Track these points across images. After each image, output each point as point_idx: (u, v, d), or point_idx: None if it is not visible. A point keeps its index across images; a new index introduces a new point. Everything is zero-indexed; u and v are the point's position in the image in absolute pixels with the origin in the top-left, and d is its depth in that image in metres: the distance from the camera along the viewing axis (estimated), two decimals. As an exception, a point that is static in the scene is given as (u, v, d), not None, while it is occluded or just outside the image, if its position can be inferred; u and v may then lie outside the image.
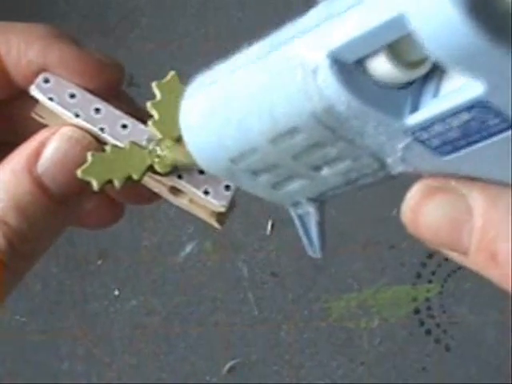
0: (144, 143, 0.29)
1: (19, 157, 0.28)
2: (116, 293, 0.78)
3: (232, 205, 0.29)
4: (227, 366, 0.77)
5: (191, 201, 0.29)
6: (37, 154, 0.28)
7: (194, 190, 0.29)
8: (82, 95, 0.29)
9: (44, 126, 0.29)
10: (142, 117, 0.29)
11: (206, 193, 0.29)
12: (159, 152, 0.28)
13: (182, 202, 0.29)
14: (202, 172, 0.29)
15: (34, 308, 0.77)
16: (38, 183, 0.27)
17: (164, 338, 0.77)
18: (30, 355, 0.77)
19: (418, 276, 0.77)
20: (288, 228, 0.78)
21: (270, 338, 0.77)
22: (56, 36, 0.29)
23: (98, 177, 0.28)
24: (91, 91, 0.29)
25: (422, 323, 0.77)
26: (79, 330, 0.78)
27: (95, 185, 0.28)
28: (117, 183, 0.28)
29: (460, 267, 0.77)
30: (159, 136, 0.28)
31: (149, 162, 0.28)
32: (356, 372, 0.77)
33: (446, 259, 0.77)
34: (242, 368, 0.77)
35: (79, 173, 0.27)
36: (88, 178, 0.27)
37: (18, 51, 0.28)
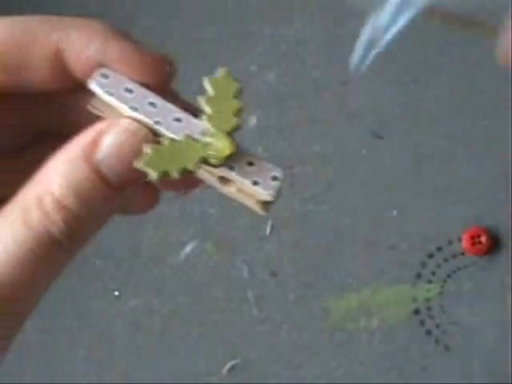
0: (198, 136, 0.30)
1: (77, 145, 0.29)
2: (116, 293, 0.78)
3: (279, 194, 0.31)
4: (227, 366, 0.77)
5: (239, 190, 0.31)
6: (95, 143, 0.29)
7: (244, 180, 0.30)
8: (137, 90, 0.30)
9: (98, 118, 0.31)
10: (191, 111, 0.31)
11: (256, 183, 0.30)
12: (213, 145, 0.30)
13: (230, 190, 0.31)
14: (251, 164, 0.30)
15: (33, 308, 0.77)
16: (96, 171, 0.29)
17: (164, 338, 0.77)
18: (30, 356, 0.77)
19: (418, 276, 0.77)
20: (288, 228, 0.78)
21: (270, 338, 0.77)
22: (113, 32, 0.30)
23: (156, 168, 0.29)
24: (146, 86, 0.31)
25: (422, 323, 0.77)
26: (79, 331, 0.78)
27: (154, 175, 0.29)
28: (175, 174, 0.29)
29: (460, 267, 0.77)
30: (213, 130, 0.30)
31: (203, 154, 0.30)
32: (356, 372, 0.77)
33: (446, 259, 0.78)
34: (242, 368, 0.77)
35: (138, 164, 0.29)
36: (147, 169, 0.29)
37: (78, 46, 0.30)
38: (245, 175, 0.30)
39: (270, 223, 0.78)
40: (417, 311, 0.77)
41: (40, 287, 0.30)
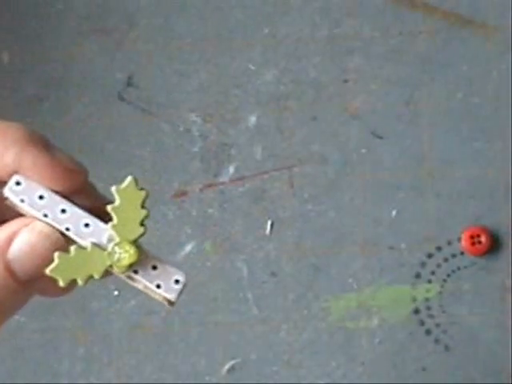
0: (105, 242, 0.33)
1: None
2: (115, 293, 0.78)
3: (181, 293, 0.35)
4: (227, 366, 0.77)
5: (145, 287, 0.35)
6: (9, 241, 0.31)
7: (147, 284, 0.34)
8: (49, 197, 0.33)
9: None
10: (104, 204, 0.33)
11: (159, 286, 0.34)
12: (117, 254, 0.33)
13: (138, 286, 0.35)
14: (154, 267, 0.34)
15: (33, 308, 0.77)
16: (7, 267, 0.31)
17: (163, 337, 0.77)
18: (30, 355, 0.77)
19: (418, 276, 0.77)
20: (288, 228, 0.78)
21: (270, 338, 0.77)
22: (30, 141, 0.32)
23: (63, 276, 0.32)
24: (58, 192, 0.33)
25: (421, 323, 0.77)
26: (79, 330, 0.78)
27: (61, 283, 0.32)
28: (80, 282, 0.33)
29: (460, 267, 0.77)
30: (117, 239, 0.33)
31: (108, 262, 0.33)
32: (355, 372, 0.77)
33: (446, 259, 0.77)
34: (241, 368, 0.77)
35: (47, 271, 0.32)
36: (55, 277, 0.32)
37: None
38: (149, 278, 0.34)
39: (269, 223, 0.78)
40: (416, 311, 0.77)
41: None
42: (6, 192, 0.33)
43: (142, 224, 0.33)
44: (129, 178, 0.33)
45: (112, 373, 0.77)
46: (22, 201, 0.32)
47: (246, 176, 0.78)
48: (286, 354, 0.77)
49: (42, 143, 0.32)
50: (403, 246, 0.77)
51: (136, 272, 0.34)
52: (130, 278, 0.35)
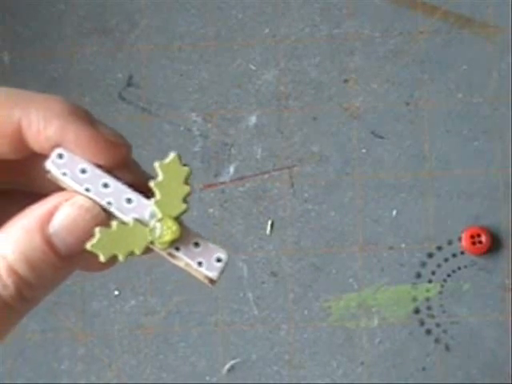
0: (147, 218, 0.33)
1: (33, 215, 0.31)
2: (116, 293, 0.78)
3: (223, 271, 0.34)
4: (227, 366, 0.77)
5: (187, 264, 0.34)
6: (50, 215, 0.31)
7: (188, 261, 0.34)
8: (92, 171, 0.32)
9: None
10: (147, 181, 0.33)
11: (200, 264, 0.34)
12: (159, 230, 0.33)
13: (179, 264, 0.34)
14: (196, 244, 0.33)
15: (33, 308, 0.77)
16: (48, 242, 0.31)
17: (164, 337, 0.77)
18: (30, 355, 0.77)
19: (418, 276, 0.77)
20: (288, 228, 0.78)
21: (270, 338, 0.77)
22: (73, 115, 0.32)
23: (104, 251, 0.32)
24: (100, 166, 0.33)
25: (422, 323, 0.77)
26: (79, 330, 0.78)
27: (102, 258, 0.32)
28: (121, 257, 0.33)
29: (460, 267, 0.77)
30: (160, 215, 0.32)
31: (150, 238, 0.33)
32: (356, 372, 0.77)
33: (446, 259, 0.77)
34: (241, 368, 0.77)
35: (88, 246, 0.31)
36: (96, 251, 0.32)
37: (37, 127, 0.31)
38: (190, 256, 0.33)
39: (269, 223, 0.78)
40: (417, 311, 0.77)
41: None
42: (48, 165, 0.32)
43: (184, 200, 0.33)
44: (172, 154, 0.33)
45: (112, 373, 0.77)
46: (64, 174, 0.32)
47: (247, 176, 0.78)
48: (287, 354, 0.77)
49: (85, 116, 0.32)
50: (403, 245, 0.77)
51: (177, 249, 0.33)
52: (171, 255, 0.34)
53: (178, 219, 0.32)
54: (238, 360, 0.77)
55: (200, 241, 0.33)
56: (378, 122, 0.79)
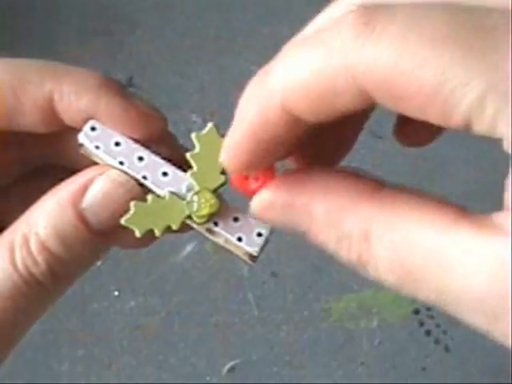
0: (183, 191, 0.31)
1: (66, 190, 0.30)
2: (116, 293, 0.78)
3: (264, 247, 0.32)
4: (227, 367, 0.77)
5: (226, 241, 0.32)
6: (83, 189, 0.30)
7: (228, 236, 0.31)
8: (126, 144, 0.31)
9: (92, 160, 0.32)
10: (184, 155, 0.31)
11: (240, 239, 0.31)
12: (196, 204, 0.31)
13: (218, 240, 0.32)
14: (236, 219, 0.31)
15: (34, 308, 0.77)
16: (81, 217, 0.30)
17: (164, 338, 0.78)
18: (30, 355, 0.77)
19: (418, 276, 0.77)
20: (288, 228, 0.78)
21: (270, 339, 0.77)
22: (105, 87, 0.31)
23: (139, 225, 0.30)
24: (135, 139, 0.31)
25: (421, 323, 0.77)
26: (79, 331, 0.78)
27: (137, 233, 0.30)
28: (157, 232, 0.31)
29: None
30: (197, 187, 0.31)
31: (187, 212, 0.31)
32: (356, 372, 0.77)
33: (446, 259, 0.78)
34: (241, 368, 0.77)
35: (123, 221, 0.30)
36: (131, 226, 0.30)
37: (69, 100, 0.30)
38: (230, 231, 0.31)
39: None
40: (416, 311, 0.77)
41: (22, 323, 0.30)
42: (81, 138, 0.31)
43: (222, 172, 0.30)
44: (210, 125, 0.31)
45: (112, 373, 0.77)
46: (97, 147, 0.31)
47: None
48: (287, 355, 0.77)
49: (118, 89, 0.31)
50: (403, 246, 0.77)
51: (216, 224, 0.31)
52: (209, 231, 0.32)
53: (216, 192, 0.31)
54: (238, 360, 0.77)
55: (240, 215, 0.31)
56: (376, 121, 0.79)
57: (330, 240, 0.25)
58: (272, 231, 0.31)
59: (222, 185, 0.31)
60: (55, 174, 0.31)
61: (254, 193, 0.29)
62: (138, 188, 0.30)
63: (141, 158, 0.31)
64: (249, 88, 0.26)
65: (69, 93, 0.30)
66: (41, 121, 0.30)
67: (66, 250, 0.30)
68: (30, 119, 0.30)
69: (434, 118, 0.22)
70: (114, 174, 0.30)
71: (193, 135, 0.31)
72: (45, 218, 0.29)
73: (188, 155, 0.30)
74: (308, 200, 0.26)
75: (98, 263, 0.78)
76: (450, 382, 0.76)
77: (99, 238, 0.30)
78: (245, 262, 0.32)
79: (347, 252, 0.25)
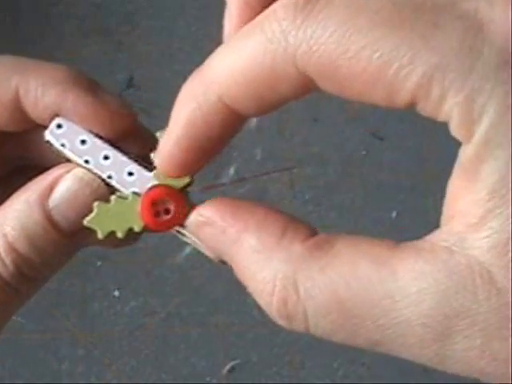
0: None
1: (33, 189, 0.30)
2: (116, 294, 0.78)
3: None
4: (227, 367, 0.77)
5: (195, 242, 0.31)
6: (50, 189, 0.29)
7: (194, 238, 0.30)
8: (92, 142, 0.30)
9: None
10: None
11: None
12: None
13: (187, 240, 0.31)
14: None
15: (33, 308, 0.77)
16: (49, 217, 0.29)
17: (164, 338, 0.77)
18: (30, 356, 0.77)
19: (418, 277, 0.77)
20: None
21: (270, 339, 0.77)
22: (72, 82, 0.30)
23: (102, 227, 0.29)
24: (104, 137, 0.30)
25: (421, 324, 0.77)
26: (79, 331, 0.78)
27: (99, 235, 0.29)
28: (119, 234, 0.30)
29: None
30: None
31: None
32: (356, 373, 0.77)
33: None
34: (242, 369, 0.77)
35: (85, 222, 0.29)
36: (93, 227, 0.29)
37: (35, 95, 0.30)
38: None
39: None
40: (417, 312, 0.77)
41: None
42: (47, 135, 0.30)
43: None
44: None
45: (112, 374, 0.77)
46: (63, 145, 0.30)
47: (247, 177, 0.78)
48: (287, 355, 0.77)
49: (87, 84, 0.30)
50: (403, 246, 0.77)
51: (183, 226, 0.30)
52: (177, 231, 0.31)
53: (183, 193, 0.30)
54: (238, 361, 0.77)
55: None
56: (378, 123, 0.79)
57: (254, 281, 0.25)
58: None
59: (188, 185, 0.30)
60: (33, 174, 0.31)
61: (166, 226, 0.29)
62: (104, 187, 0.30)
63: (106, 157, 0.30)
64: (184, 86, 0.26)
65: (35, 88, 0.30)
66: (8, 119, 0.30)
67: (34, 251, 0.29)
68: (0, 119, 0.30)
69: (379, 99, 0.22)
70: (80, 172, 0.30)
71: (157, 134, 0.30)
72: (13, 218, 0.29)
73: (152, 155, 0.30)
74: (242, 228, 0.25)
75: (99, 263, 0.78)
76: (450, 382, 0.76)
77: (68, 238, 0.30)
78: (218, 264, 0.31)
79: (269, 297, 0.24)
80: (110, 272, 0.78)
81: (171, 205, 0.29)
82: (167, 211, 0.30)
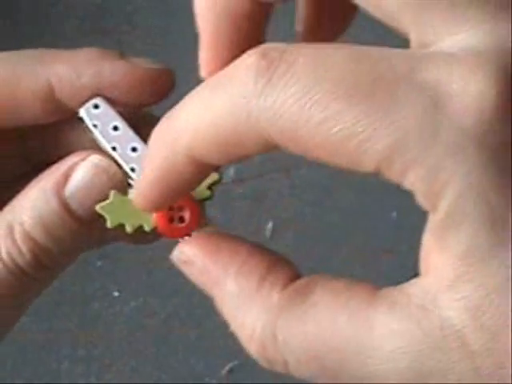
0: None
1: (49, 178, 0.29)
2: (116, 294, 0.78)
3: None
4: (226, 368, 0.77)
5: None
6: (65, 177, 0.29)
7: None
8: (124, 130, 0.30)
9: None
10: None
11: None
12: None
13: None
14: None
15: (34, 309, 0.77)
16: (65, 205, 0.29)
17: (163, 339, 0.78)
18: (30, 356, 0.77)
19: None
20: (288, 229, 0.78)
21: (270, 339, 0.77)
22: (102, 56, 0.30)
23: (113, 216, 0.29)
24: (134, 129, 0.30)
25: (421, 324, 0.77)
26: (79, 331, 0.78)
27: (109, 223, 0.29)
28: (128, 229, 0.29)
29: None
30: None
31: None
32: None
33: (446, 260, 0.78)
34: (241, 369, 0.77)
35: (98, 207, 0.29)
36: (104, 214, 0.29)
37: (70, 79, 0.29)
38: None
39: (270, 225, 0.78)
40: (417, 312, 0.77)
41: (7, 314, 0.30)
42: (81, 112, 0.30)
43: (209, 187, 0.30)
44: None
45: (112, 374, 0.77)
46: (95, 126, 0.30)
47: (246, 177, 0.78)
48: (286, 355, 0.77)
49: (117, 53, 0.30)
50: (403, 247, 0.77)
51: (190, 235, 0.30)
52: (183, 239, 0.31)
53: (199, 205, 0.30)
54: (237, 362, 0.77)
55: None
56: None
57: (235, 324, 0.25)
58: None
59: (206, 199, 0.30)
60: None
61: (178, 234, 0.29)
62: (121, 175, 0.30)
63: (134, 149, 0.30)
64: (155, 131, 0.25)
65: (69, 73, 0.29)
66: (42, 112, 0.30)
67: (50, 240, 0.29)
68: (30, 112, 0.30)
69: (343, 166, 0.22)
70: (96, 158, 0.29)
71: None
72: (29, 207, 0.29)
73: None
74: (221, 273, 0.25)
75: (98, 264, 0.78)
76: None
77: (85, 226, 0.29)
78: None
79: (249, 341, 0.25)
80: (110, 272, 0.78)
81: (187, 214, 0.29)
82: (182, 219, 0.29)
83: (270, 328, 0.24)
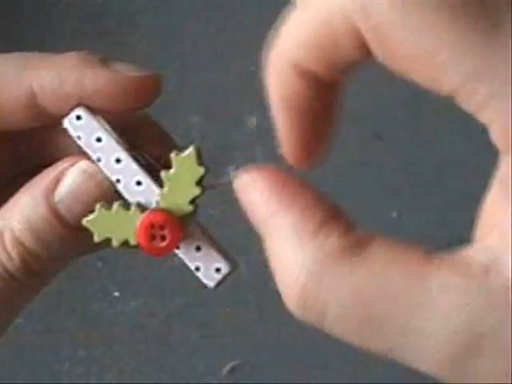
0: (153, 205, 0.30)
1: (39, 183, 0.29)
2: (116, 294, 0.78)
3: (222, 283, 0.32)
4: (227, 368, 0.77)
5: (185, 264, 0.31)
6: (55, 183, 0.29)
7: (187, 262, 0.31)
8: (107, 141, 0.30)
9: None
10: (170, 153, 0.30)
11: (198, 269, 0.31)
12: None
13: (179, 259, 0.31)
14: (198, 248, 0.31)
15: (33, 309, 0.77)
16: (54, 211, 0.29)
17: (164, 339, 0.77)
18: (30, 356, 0.77)
19: (418, 277, 0.77)
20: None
21: (270, 340, 0.77)
22: (86, 62, 0.30)
23: (99, 230, 0.29)
24: (124, 138, 0.30)
25: (422, 324, 0.77)
26: (79, 332, 0.78)
27: (96, 237, 0.29)
28: (115, 243, 0.30)
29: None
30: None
31: None
32: (356, 372, 0.77)
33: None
34: (242, 369, 0.77)
35: (84, 221, 0.29)
36: (91, 228, 0.29)
37: (51, 86, 0.29)
38: (189, 258, 0.31)
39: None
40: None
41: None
42: (65, 123, 0.30)
43: (191, 202, 0.30)
44: (191, 148, 0.30)
45: (112, 374, 0.77)
46: (79, 138, 0.30)
47: (247, 177, 0.78)
48: (286, 356, 0.77)
49: (101, 60, 0.30)
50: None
51: (177, 247, 0.30)
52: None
53: (182, 218, 0.30)
54: (238, 361, 0.77)
55: (203, 245, 0.31)
56: (378, 123, 0.79)
57: (280, 263, 0.25)
58: (233, 270, 0.31)
59: (189, 214, 0.30)
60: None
61: (158, 252, 0.29)
62: (107, 182, 0.30)
63: (118, 160, 0.30)
64: (266, 60, 0.26)
65: (50, 80, 0.29)
66: (25, 117, 0.30)
67: (40, 245, 0.29)
68: (13, 118, 0.30)
69: (422, 81, 0.22)
70: (84, 164, 0.29)
71: (172, 155, 0.29)
72: (19, 213, 0.29)
73: (162, 173, 0.29)
74: (283, 208, 0.25)
75: (99, 264, 0.78)
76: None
77: (74, 232, 0.29)
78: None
79: (290, 284, 0.24)
80: (111, 273, 0.78)
81: (168, 233, 0.29)
82: (163, 238, 0.29)
83: (318, 273, 0.23)
